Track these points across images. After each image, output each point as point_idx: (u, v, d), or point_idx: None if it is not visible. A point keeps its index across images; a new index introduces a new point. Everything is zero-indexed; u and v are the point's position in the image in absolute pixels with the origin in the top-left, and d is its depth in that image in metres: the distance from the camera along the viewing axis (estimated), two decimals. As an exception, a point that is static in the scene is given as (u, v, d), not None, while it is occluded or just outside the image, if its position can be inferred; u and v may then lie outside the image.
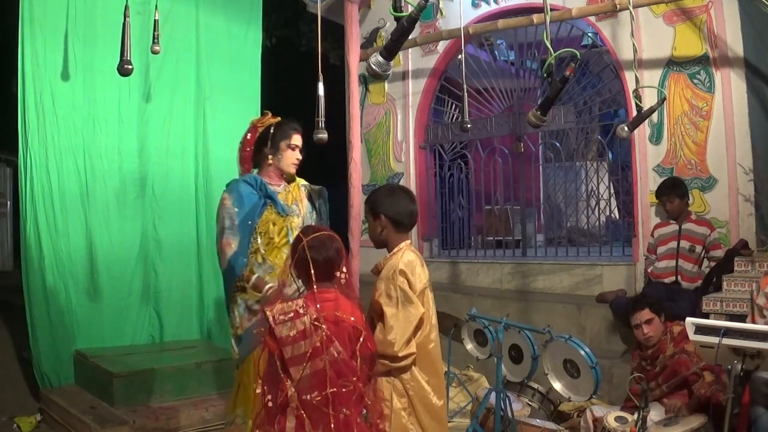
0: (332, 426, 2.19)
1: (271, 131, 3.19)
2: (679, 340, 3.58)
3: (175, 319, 5.16)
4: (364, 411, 2.34)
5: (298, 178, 3.35)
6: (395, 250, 2.59)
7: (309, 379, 2.22)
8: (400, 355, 2.44)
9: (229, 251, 3.04)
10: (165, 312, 5.12)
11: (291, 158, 3.21)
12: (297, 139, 3.21)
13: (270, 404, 2.22)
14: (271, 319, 2.26)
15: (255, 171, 3.26)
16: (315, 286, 2.30)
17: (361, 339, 2.31)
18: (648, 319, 3.73)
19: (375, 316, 2.53)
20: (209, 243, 5.35)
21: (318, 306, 2.26)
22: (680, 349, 3.57)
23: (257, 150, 3.23)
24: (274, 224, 3.13)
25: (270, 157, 3.19)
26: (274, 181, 3.22)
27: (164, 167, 5.18)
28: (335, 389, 2.22)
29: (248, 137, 3.25)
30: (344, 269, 2.39)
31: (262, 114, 3.30)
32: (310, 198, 3.32)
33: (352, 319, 2.31)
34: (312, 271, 2.30)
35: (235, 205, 3.08)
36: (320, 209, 3.34)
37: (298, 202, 3.25)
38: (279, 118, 3.28)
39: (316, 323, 2.24)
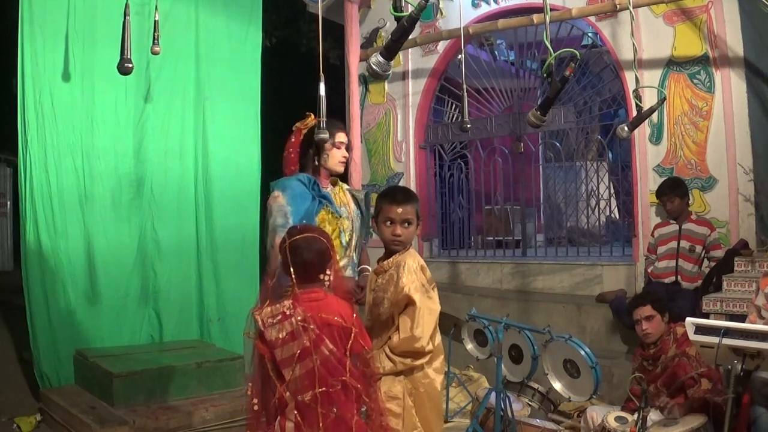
0: (320, 425, 2.19)
1: (315, 132, 3.08)
2: (682, 342, 3.55)
3: (174, 319, 5.15)
4: (363, 408, 2.34)
5: (340, 182, 3.28)
6: (406, 249, 2.64)
7: (301, 380, 2.22)
8: (426, 350, 2.48)
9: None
10: (164, 312, 5.12)
11: (337, 156, 3.14)
12: (342, 137, 3.15)
13: (256, 407, 2.23)
14: (260, 322, 2.26)
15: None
16: (297, 288, 2.31)
17: (352, 337, 2.32)
18: (648, 315, 3.70)
19: (396, 312, 2.53)
20: (209, 243, 5.35)
21: (304, 306, 2.27)
22: (681, 351, 3.55)
23: (303, 153, 3.16)
24: (329, 225, 3.05)
25: (316, 158, 3.13)
26: (323, 183, 3.15)
27: (163, 167, 5.17)
28: (324, 388, 2.22)
29: (292, 140, 3.19)
30: (328, 272, 2.38)
31: (305, 116, 3.21)
32: (355, 202, 3.26)
33: (336, 318, 2.30)
34: (292, 273, 2.30)
35: (290, 203, 2.98)
36: (364, 214, 3.28)
37: (346, 205, 3.19)
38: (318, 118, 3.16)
39: (303, 324, 2.24)
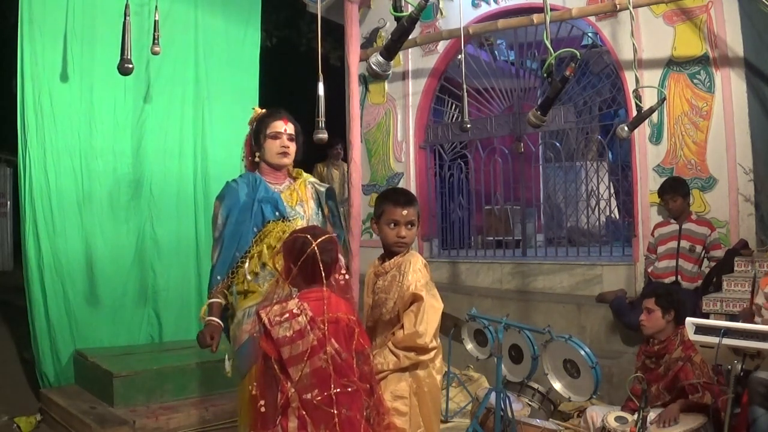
0: (337, 427, 2.20)
1: (254, 126, 2.98)
2: (689, 346, 3.46)
3: (174, 319, 5.15)
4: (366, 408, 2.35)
5: (305, 175, 3.07)
6: (408, 249, 2.67)
7: (308, 378, 2.23)
8: (430, 346, 2.51)
9: (212, 262, 2.97)
10: (164, 312, 5.12)
11: (274, 148, 2.90)
12: (278, 126, 2.91)
13: (263, 409, 2.23)
14: (266, 320, 2.26)
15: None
16: (306, 287, 2.33)
17: (355, 336, 2.33)
18: (649, 308, 3.65)
19: (402, 310, 2.55)
20: (208, 243, 5.33)
21: (310, 305, 2.28)
22: (687, 356, 3.49)
23: (251, 150, 3.00)
24: (272, 230, 2.87)
25: (257, 154, 2.95)
26: (275, 179, 2.94)
27: (162, 167, 5.18)
28: (339, 389, 2.22)
29: (247, 139, 3.05)
30: (343, 270, 2.42)
31: (253, 111, 3.09)
32: (317, 198, 3.04)
33: (343, 315, 2.32)
34: (322, 273, 2.32)
35: (223, 213, 2.90)
36: (333, 210, 3.08)
37: (304, 203, 2.97)
38: (263, 111, 3.03)
39: (312, 323, 2.25)
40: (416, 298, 2.52)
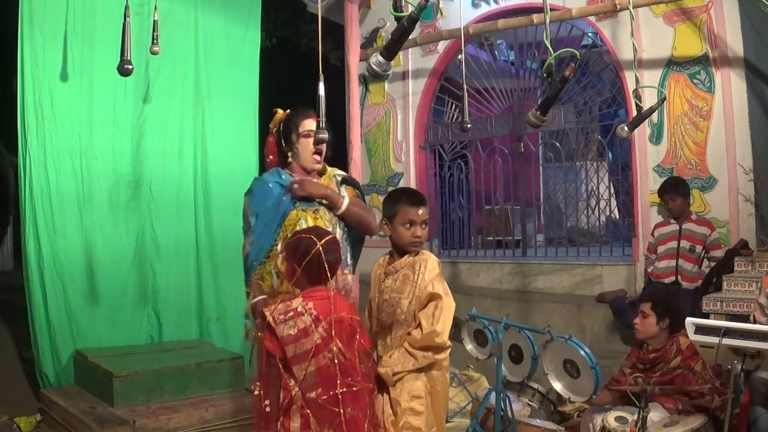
0: (342, 426, 2.20)
1: (281, 127, 2.97)
2: (688, 356, 3.43)
3: (174, 319, 5.15)
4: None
5: (330, 169, 3.07)
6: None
7: (313, 377, 2.23)
8: (447, 345, 2.53)
9: (244, 253, 2.95)
10: (163, 312, 5.11)
11: (310, 147, 2.90)
12: (310, 124, 2.89)
13: (268, 409, 2.23)
14: (271, 319, 2.26)
15: None
16: (309, 287, 2.34)
17: (357, 336, 2.33)
18: (644, 312, 3.61)
19: (418, 309, 2.56)
20: (208, 243, 5.36)
21: (315, 304, 2.29)
22: (687, 365, 3.45)
23: (279, 153, 2.98)
24: (294, 219, 2.88)
25: (290, 155, 2.94)
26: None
27: (162, 168, 5.17)
28: (345, 389, 2.23)
29: (269, 142, 3.03)
30: (346, 270, 2.43)
31: (274, 113, 3.07)
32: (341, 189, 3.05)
33: (346, 315, 2.33)
34: (327, 273, 2.33)
35: (252, 209, 2.90)
36: (358, 191, 3.11)
37: None
38: (287, 111, 3.03)
39: (317, 321, 2.26)
40: (434, 297, 2.54)
